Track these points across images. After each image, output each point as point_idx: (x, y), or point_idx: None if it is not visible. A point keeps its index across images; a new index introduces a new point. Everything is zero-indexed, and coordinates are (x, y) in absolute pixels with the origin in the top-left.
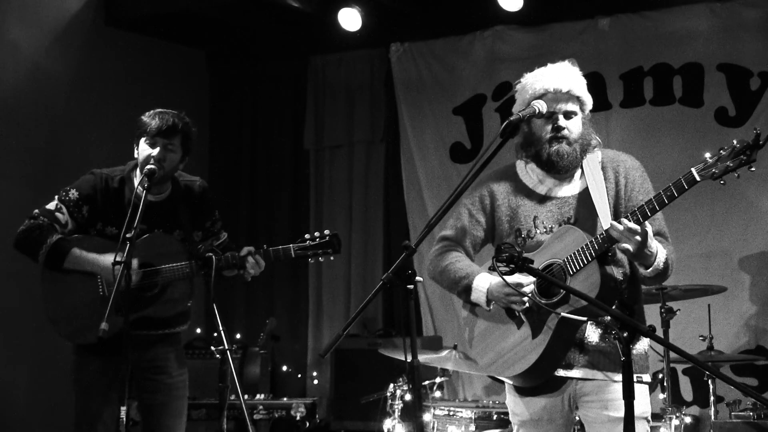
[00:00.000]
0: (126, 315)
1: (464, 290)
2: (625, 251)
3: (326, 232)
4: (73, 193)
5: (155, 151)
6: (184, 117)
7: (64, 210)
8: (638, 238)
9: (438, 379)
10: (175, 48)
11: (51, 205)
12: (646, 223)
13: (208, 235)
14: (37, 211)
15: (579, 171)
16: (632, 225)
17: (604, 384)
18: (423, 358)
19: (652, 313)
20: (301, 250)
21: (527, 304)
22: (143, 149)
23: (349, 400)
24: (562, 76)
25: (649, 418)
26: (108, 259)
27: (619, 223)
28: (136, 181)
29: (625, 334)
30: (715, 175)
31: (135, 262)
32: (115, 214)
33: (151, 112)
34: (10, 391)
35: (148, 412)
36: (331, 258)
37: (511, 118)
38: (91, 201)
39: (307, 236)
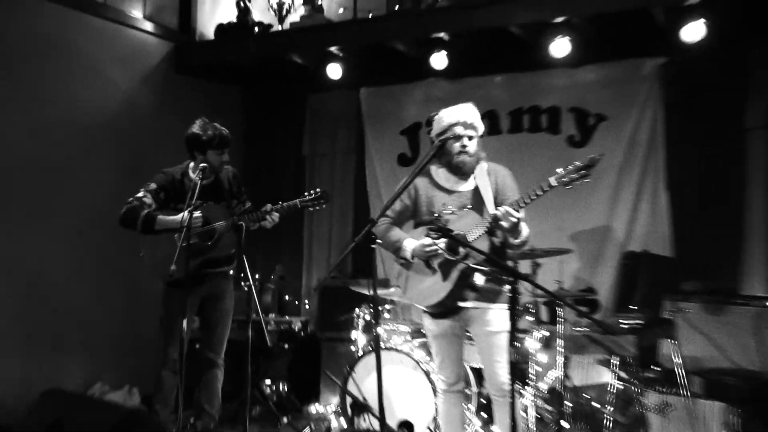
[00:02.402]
0: (186, 260)
1: (398, 249)
2: (503, 228)
3: (318, 189)
4: (153, 185)
5: (227, 158)
6: None
7: (149, 196)
8: (513, 219)
9: (387, 306)
10: (218, 87)
11: (140, 194)
12: (521, 210)
13: (239, 202)
14: (131, 198)
15: (472, 175)
16: (511, 211)
17: (485, 310)
18: (378, 292)
19: (525, 266)
20: (305, 202)
21: (441, 259)
22: (215, 156)
23: (330, 319)
24: (467, 113)
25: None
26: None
27: (503, 209)
28: (192, 174)
29: (511, 279)
30: (565, 183)
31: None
32: (181, 197)
33: (203, 123)
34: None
35: (207, 325)
36: (323, 206)
37: (441, 138)
38: (165, 189)
39: (306, 193)
